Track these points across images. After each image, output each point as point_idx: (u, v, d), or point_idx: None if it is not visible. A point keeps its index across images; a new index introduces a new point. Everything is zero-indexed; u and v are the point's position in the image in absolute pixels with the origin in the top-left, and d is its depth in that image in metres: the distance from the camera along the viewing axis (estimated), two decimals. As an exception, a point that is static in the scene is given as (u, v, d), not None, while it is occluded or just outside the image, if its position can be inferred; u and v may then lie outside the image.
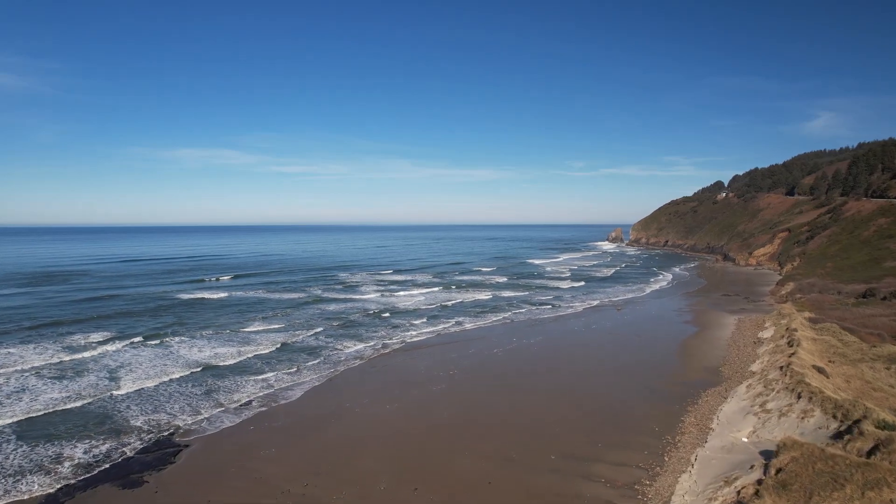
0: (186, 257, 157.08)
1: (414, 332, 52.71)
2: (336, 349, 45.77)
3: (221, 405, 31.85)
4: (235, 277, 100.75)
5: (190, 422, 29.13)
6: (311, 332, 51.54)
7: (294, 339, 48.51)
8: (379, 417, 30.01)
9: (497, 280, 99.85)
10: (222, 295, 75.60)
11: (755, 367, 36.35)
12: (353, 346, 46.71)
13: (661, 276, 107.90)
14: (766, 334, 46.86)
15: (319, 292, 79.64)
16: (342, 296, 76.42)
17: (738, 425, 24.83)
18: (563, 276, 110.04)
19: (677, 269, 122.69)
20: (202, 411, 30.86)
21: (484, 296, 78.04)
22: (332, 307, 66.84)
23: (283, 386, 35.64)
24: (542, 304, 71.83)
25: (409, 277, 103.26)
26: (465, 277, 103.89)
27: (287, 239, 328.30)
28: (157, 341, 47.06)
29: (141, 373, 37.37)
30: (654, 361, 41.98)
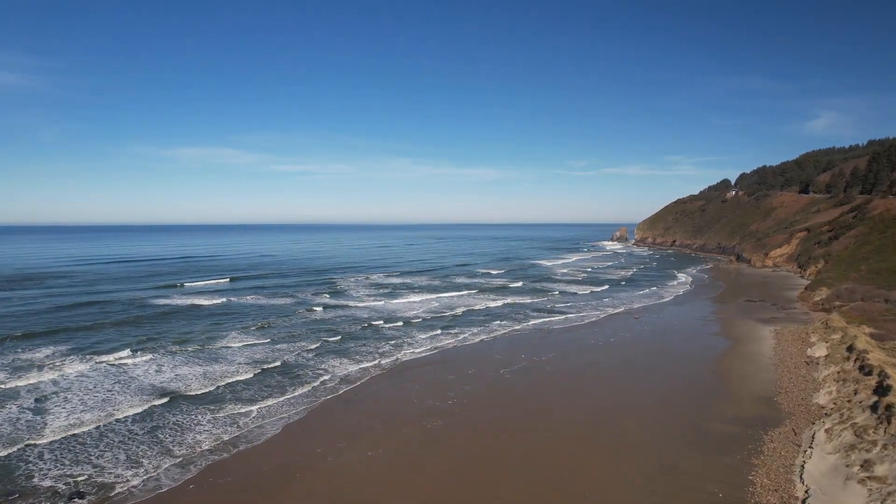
0: (177, 258, 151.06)
1: (412, 348, 46.45)
2: (321, 370, 39.55)
3: (169, 452, 25.63)
4: (224, 281, 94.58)
5: (119, 479, 22.84)
6: (297, 349, 45.30)
7: (276, 359, 42.22)
8: (355, 470, 23.71)
9: (505, 284, 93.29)
10: (205, 301, 69.38)
11: (822, 399, 30.01)
12: (341, 368, 40.41)
13: (679, 279, 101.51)
14: (818, 353, 40.48)
15: (312, 298, 73.38)
16: (336, 302, 70.16)
17: (839, 497, 18.53)
18: (575, 279, 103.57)
19: (693, 271, 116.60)
20: (142, 461, 24.66)
21: (491, 302, 71.72)
22: (324, 316, 60.66)
23: (252, 425, 29.31)
24: (554, 311, 65.49)
25: (410, 281, 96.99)
26: (471, 280, 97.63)
27: (285, 239, 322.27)
28: (117, 362, 40.81)
29: (79, 404, 31.14)
30: (693, 387, 35.65)
